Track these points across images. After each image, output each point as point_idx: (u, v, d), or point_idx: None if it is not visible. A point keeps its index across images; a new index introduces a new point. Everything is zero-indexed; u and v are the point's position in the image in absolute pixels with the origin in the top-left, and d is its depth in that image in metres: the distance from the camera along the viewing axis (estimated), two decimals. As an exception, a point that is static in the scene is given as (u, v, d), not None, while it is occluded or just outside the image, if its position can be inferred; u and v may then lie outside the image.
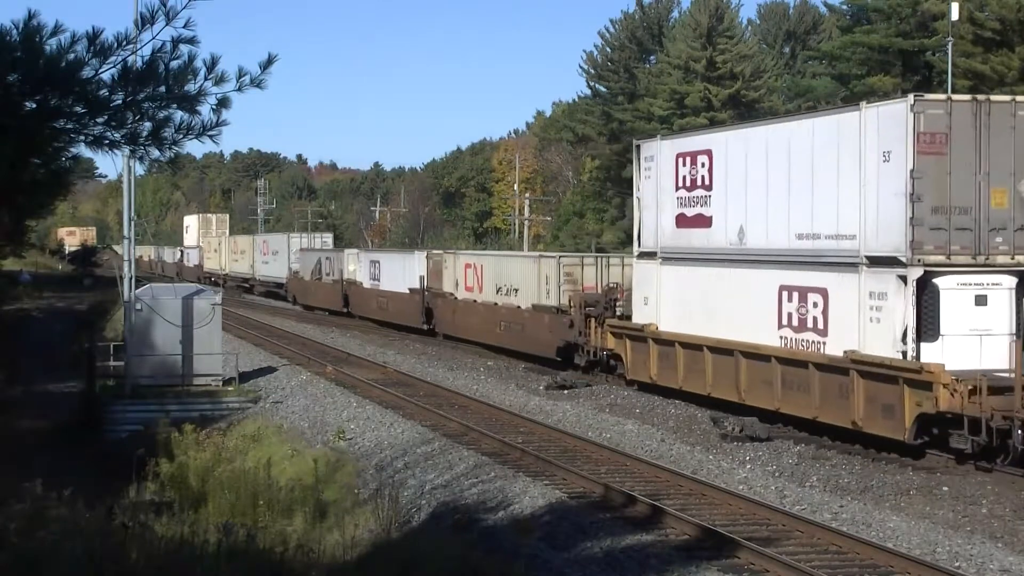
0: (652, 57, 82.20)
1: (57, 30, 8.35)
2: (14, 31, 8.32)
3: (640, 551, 15.58)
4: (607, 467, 21.30)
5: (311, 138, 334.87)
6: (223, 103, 8.92)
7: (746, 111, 69.75)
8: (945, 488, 19.45)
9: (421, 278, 45.91)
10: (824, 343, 23.14)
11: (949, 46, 48.13)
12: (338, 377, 34.30)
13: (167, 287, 37.64)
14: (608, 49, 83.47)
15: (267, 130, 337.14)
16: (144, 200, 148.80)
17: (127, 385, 32.12)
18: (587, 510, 17.95)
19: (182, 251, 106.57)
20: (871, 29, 60.76)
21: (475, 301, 41.25)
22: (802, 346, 23.73)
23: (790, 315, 24.10)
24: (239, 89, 8.86)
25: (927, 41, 57.99)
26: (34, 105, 8.58)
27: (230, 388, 32.84)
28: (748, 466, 21.51)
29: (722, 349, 26.02)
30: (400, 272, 49.17)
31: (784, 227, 24.18)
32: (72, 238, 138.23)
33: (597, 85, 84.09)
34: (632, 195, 32.63)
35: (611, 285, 33.78)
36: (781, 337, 24.33)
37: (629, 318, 31.11)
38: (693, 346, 27.28)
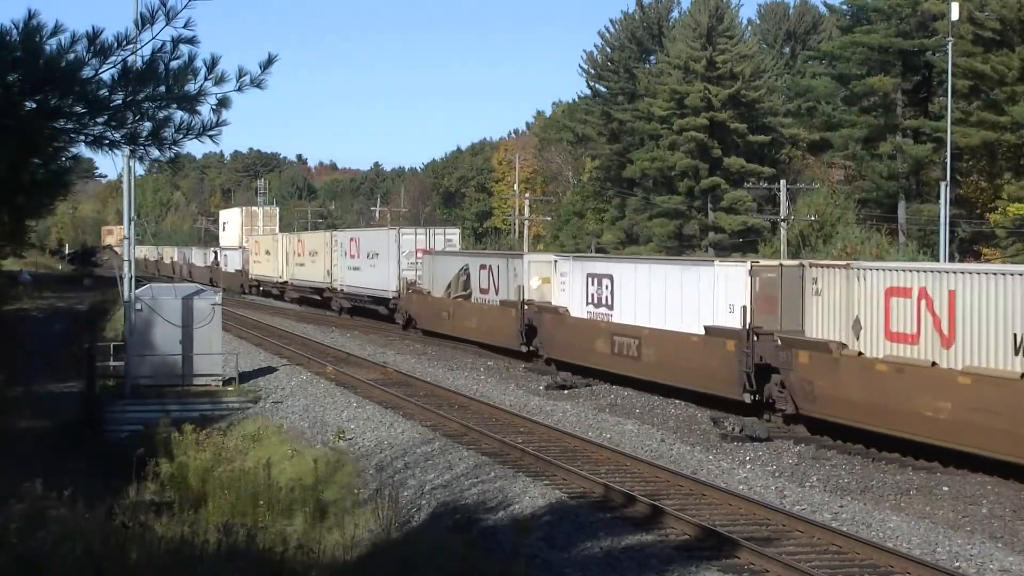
0: (652, 57, 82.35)
1: (57, 30, 8.36)
2: (14, 31, 8.33)
3: (640, 551, 15.58)
4: (607, 467, 21.27)
5: (311, 138, 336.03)
6: (223, 103, 8.94)
7: (746, 111, 69.84)
8: (945, 488, 19.46)
9: (744, 311, 25.56)
10: None
11: (949, 46, 48.23)
12: (338, 377, 34.26)
13: (167, 287, 37.59)
14: (608, 49, 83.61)
15: (267, 130, 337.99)
16: (144, 200, 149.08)
17: (127, 385, 32.09)
18: (587, 510, 17.93)
19: (217, 253, 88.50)
20: (871, 29, 60.85)
21: (950, 370, 20.26)
22: None
23: None
24: (239, 89, 8.88)
25: (927, 41, 58.09)
26: (34, 105, 8.59)
27: (230, 388, 32.82)
28: (748, 466, 21.51)
29: None
30: (673, 297, 28.98)
31: None
32: (112, 237, 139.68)
33: (597, 85, 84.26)
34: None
35: None
36: None
37: None
38: None
